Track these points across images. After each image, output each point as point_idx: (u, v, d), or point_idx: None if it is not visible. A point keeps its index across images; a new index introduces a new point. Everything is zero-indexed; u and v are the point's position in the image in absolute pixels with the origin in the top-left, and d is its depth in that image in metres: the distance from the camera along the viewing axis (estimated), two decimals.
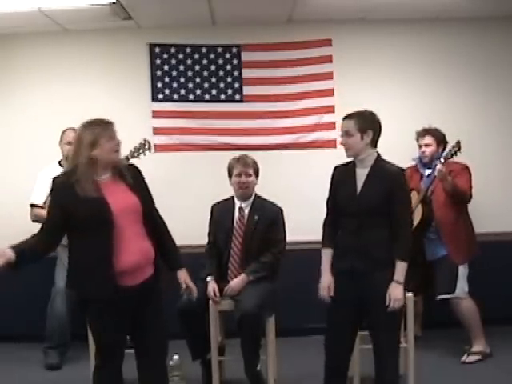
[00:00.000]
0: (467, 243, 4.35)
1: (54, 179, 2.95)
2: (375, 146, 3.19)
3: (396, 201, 3.09)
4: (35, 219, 4.51)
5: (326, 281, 3.24)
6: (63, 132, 4.59)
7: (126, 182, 2.96)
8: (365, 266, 3.09)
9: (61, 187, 2.89)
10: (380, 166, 3.16)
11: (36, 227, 4.18)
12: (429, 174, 4.40)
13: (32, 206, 4.53)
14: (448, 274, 4.27)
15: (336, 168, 3.31)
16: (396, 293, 3.05)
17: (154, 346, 3.04)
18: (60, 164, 4.61)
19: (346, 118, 3.20)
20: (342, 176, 3.24)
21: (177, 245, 3.16)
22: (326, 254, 3.30)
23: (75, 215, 2.82)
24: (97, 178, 2.90)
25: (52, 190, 2.93)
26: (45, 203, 4.44)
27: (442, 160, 4.16)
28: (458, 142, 4.14)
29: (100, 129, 2.90)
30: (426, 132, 4.47)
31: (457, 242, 4.29)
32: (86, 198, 2.81)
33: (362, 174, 3.17)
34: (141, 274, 2.93)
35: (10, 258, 2.75)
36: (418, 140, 4.53)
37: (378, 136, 3.19)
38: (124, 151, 3.31)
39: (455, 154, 4.14)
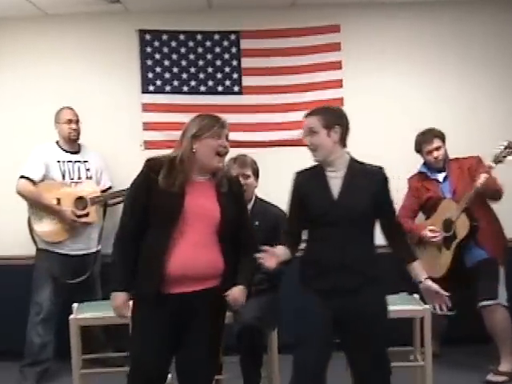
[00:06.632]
0: (504, 239, 4.35)
1: (148, 162, 2.86)
2: (344, 146, 3.00)
3: (386, 201, 3.00)
4: (21, 193, 4.31)
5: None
6: (59, 111, 4.48)
7: (219, 190, 2.89)
8: (351, 283, 2.87)
9: (148, 173, 2.81)
10: (358, 167, 2.99)
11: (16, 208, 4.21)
12: (445, 178, 4.31)
13: (23, 177, 4.30)
14: (489, 278, 4.18)
15: (299, 174, 3.08)
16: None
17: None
18: (58, 144, 4.48)
19: (308, 114, 3.03)
20: (311, 182, 3.02)
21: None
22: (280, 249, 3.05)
23: (151, 205, 2.79)
24: (190, 178, 2.82)
25: (140, 173, 2.85)
26: (39, 181, 4.33)
27: (493, 164, 4.02)
28: (510, 142, 4.00)
29: (208, 122, 2.83)
30: (432, 136, 4.33)
31: (495, 240, 4.26)
32: (164, 191, 2.77)
33: (335, 177, 2.95)
34: (197, 283, 2.83)
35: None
36: (421, 147, 4.36)
37: (347, 134, 3.00)
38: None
39: (508, 155, 4.01)
